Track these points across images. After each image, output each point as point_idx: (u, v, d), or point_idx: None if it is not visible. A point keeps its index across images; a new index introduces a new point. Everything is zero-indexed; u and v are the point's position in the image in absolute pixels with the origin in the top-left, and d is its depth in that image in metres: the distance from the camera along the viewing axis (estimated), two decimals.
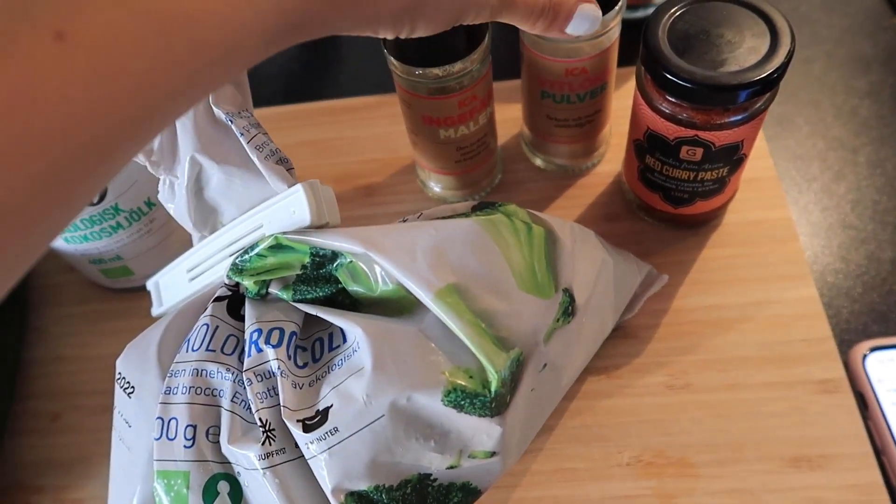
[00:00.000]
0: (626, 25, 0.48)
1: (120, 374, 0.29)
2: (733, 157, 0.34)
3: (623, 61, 0.39)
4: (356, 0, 0.21)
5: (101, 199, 0.34)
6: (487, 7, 0.25)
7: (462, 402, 0.25)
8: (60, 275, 0.43)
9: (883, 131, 0.43)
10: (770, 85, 0.30)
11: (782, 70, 0.30)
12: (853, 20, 0.48)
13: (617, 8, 0.33)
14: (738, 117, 0.31)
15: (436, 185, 0.41)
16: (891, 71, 0.45)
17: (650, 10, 0.49)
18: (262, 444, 0.25)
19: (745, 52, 0.30)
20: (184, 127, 0.29)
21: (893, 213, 0.40)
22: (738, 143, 0.33)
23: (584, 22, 0.28)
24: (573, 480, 0.33)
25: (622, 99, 0.42)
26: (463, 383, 0.25)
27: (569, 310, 0.28)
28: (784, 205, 0.39)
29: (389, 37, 0.24)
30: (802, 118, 0.44)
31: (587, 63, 0.34)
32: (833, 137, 0.43)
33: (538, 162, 0.42)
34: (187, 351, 0.28)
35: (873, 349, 0.35)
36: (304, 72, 0.52)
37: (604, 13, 0.32)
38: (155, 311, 0.33)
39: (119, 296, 0.41)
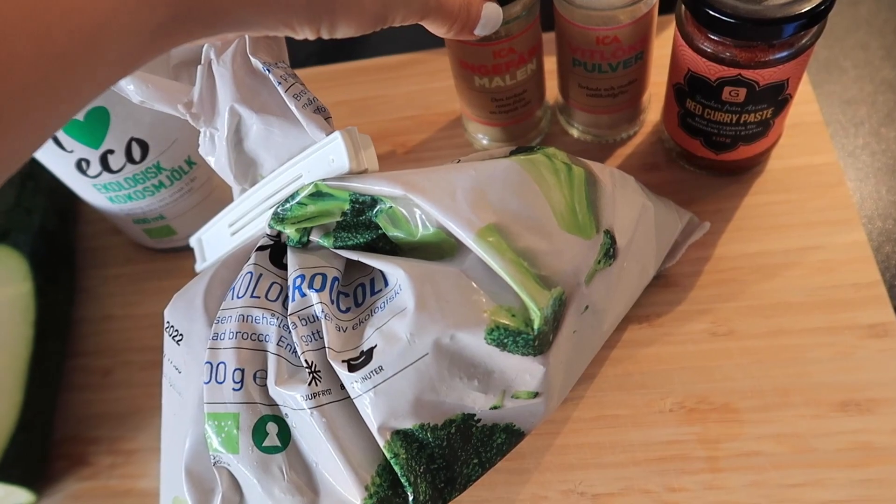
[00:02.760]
0: None
1: (168, 322, 0.30)
2: (778, 97, 0.33)
3: (661, 9, 0.38)
4: None
5: (143, 157, 0.35)
6: (414, 10, 0.25)
7: (505, 341, 0.25)
8: (106, 237, 0.44)
9: None
10: (817, 18, 0.29)
11: (830, 2, 0.29)
12: None
13: None
14: (784, 54, 0.30)
15: (482, 137, 0.41)
16: None
17: None
18: (309, 384, 0.25)
19: None
20: (222, 78, 0.29)
21: None
22: (783, 81, 0.32)
23: (489, 23, 0.29)
24: (615, 427, 0.33)
25: (660, 48, 0.41)
26: (506, 322, 0.25)
27: (610, 252, 0.28)
28: (830, 149, 0.38)
29: (309, 37, 0.23)
30: (850, 62, 0.43)
31: (620, 31, 0.33)
32: (882, 80, 0.42)
33: (573, 132, 0.41)
34: (232, 298, 0.28)
35: None
36: None
37: None
38: (198, 267, 0.34)
39: (163, 256, 0.42)
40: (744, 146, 0.36)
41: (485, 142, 0.41)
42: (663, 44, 0.42)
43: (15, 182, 0.41)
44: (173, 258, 0.42)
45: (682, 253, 0.35)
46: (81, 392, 0.39)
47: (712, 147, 0.36)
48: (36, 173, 0.41)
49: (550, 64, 0.41)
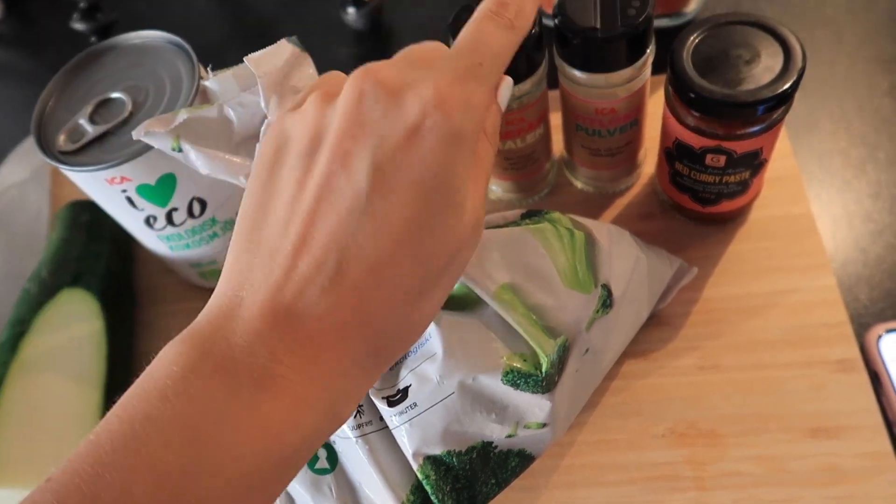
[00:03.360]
0: (657, 33, 0.51)
1: None
2: (754, 162, 0.37)
3: (656, 69, 0.42)
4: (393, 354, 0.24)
5: (202, 212, 0.40)
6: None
7: (518, 381, 0.30)
8: (161, 276, 0.49)
9: None
10: (784, 100, 0.34)
11: (795, 86, 0.34)
12: (876, 21, 0.51)
13: (646, 55, 0.37)
14: (757, 128, 0.35)
15: (496, 189, 0.46)
16: None
17: (679, 20, 0.52)
18: (354, 417, 0.30)
19: (761, 70, 0.34)
20: None
21: None
22: (757, 150, 0.37)
23: (503, 101, 0.29)
24: (614, 450, 0.38)
25: (655, 107, 0.46)
26: (518, 366, 0.30)
27: (607, 302, 0.33)
28: (805, 201, 0.43)
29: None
30: (826, 116, 0.48)
31: (617, 104, 0.38)
32: (855, 134, 0.46)
33: (577, 183, 0.46)
34: None
35: (888, 331, 0.38)
36: None
37: (635, 60, 0.36)
38: None
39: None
40: (726, 201, 0.40)
41: (499, 192, 0.46)
42: (657, 101, 0.47)
43: (84, 229, 0.46)
44: None
45: (673, 295, 0.40)
46: None
47: (699, 201, 0.41)
48: (101, 220, 0.47)
49: (556, 119, 0.46)
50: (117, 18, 0.59)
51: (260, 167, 0.25)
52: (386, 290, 0.22)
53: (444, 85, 0.23)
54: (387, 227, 0.22)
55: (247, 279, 0.22)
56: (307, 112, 0.24)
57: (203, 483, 0.19)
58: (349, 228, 0.22)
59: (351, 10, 0.59)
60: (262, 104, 0.34)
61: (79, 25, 0.57)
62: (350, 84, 0.23)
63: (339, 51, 0.60)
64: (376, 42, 0.59)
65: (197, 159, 0.34)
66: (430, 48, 0.26)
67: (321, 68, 0.63)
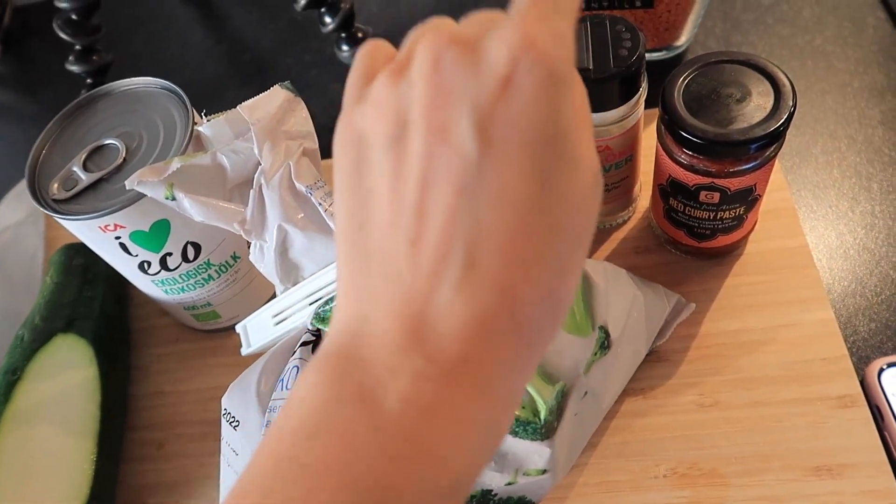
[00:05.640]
0: (649, 67, 0.52)
1: (226, 409, 0.34)
2: (748, 198, 0.38)
3: (649, 103, 0.42)
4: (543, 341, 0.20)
5: (196, 256, 0.40)
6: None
7: (517, 429, 0.29)
8: (156, 318, 0.49)
9: (895, 158, 0.46)
10: (776, 138, 0.34)
11: (786, 124, 0.34)
12: (866, 52, 0.52)
13: (638, 94, 0.37)
14: (750, 165, 0.35)
15: None
16: None
17: (670, 53, 0.53)
18: None
19: (752, 109, 0.34)
20: (271, 199, 0.34)
21: None
22: (751, 186, 0.37)
23: None
24: (616, 492, 0.37)
25: (650, 139, 0.46)
26: (517, 413, 0.29)
27: (605, 343, 0.33)
28: (800, 234, 0.43)
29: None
30: (819, 148, 0.48)
31: (611, 141, 0.39)
32: (848, 166, 0.47)
33: None
34: (281, 389, 0.33)
35: (889, 365, 0.38)
36: None
37: (628, 99, 0.36)
38: (244, 352, 0.39)
39: (207, 336, 0.47)
40: (722, 236, 0.40)
41: None
42: (652, 134, 0.47)
43: (77, 273, 0.46)
44: (216, 338, 0.47)
45: (671, 332, 0.40)
46: (139, 463, 0.43)
47: (694, 237, 0.41)
48: (95, 263, 0.47)
49: None
50: (112, 60, 0.59)
51: (343, 175, 0.21)
52: (524, 266, 0.19)
53: (528, 24, 0.19)
54: (507, 194, 0.19)
55: (366, 294, 0.20)
56: (378, 97, 0.21)
57: None
58: (467, 207, 0.19)
59: (345, 48, 0.59)
60: (256, 151, 0.34)
61: (74, 67, 0.57)
62: (421, 51, 0.20)
63: (334, 88, 0.60)
64: None
65: (191, 207, 0.34)
66: (490, 12, 0.22)
67: (318, 105, 0.64)
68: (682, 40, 0.53)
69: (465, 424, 0.18)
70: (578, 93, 0.20)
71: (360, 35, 0.59)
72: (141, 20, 0.70)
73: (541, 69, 0.19)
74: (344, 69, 0.61)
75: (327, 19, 0.57)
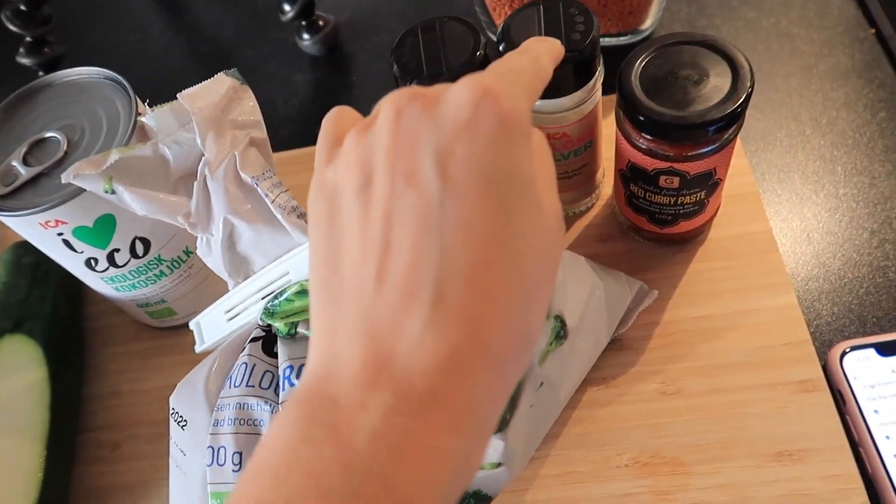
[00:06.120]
0: (611, 51, 0.51)
1: (174, 409, 0.33)
2: (708, 182, 0.37)
3: (608, 89, 0.42)
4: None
5: (146, 252, 0.39)
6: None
7: None
8: (110, 317, 0.48)
9: (859, 140, 0.46)
10: (734, 119, 0.33)
11: (744, 105, 0.33)
12: (831, 33, 0.51)
13: (594, 78, 0.36)
14: (708, 149, 0.35)
15: None
16: (866, 81, 0.48)
17: (635, 38, 0.52)
18: None
19: (710, 90, 0.34)
20: (216, 191, 0.33)
21: (868, 220, 0.43)
22: (710, 170, 0.36)
23: None
24: (578, 482, 0.36)
25: (611, 127, 0.46)
26: None
27: (560, 333, 0.32)
28: (764, 219, 0.42)
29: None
30: (783, 132, 0.47)
31: (569, 128, 0.38)
32: (812, 149, 0.46)
33: None
34: (230, 387, 0.32)
35: (850, 349, 0.38)
36: (321, 113, 0.56)
37: (583, 84, 0.35)
38: (198, 349, 0.38)
39: (164, 333, 0.46)
40: (684, 221, 0.40)
41: None
42: (613, 122, 0.46)
43: (27, 272, 0.45)
44: (174, 335, 0.46)
45: (633, 319, 0.39)
46: (93, 465, 0.42)
47: (656, 223, 0.40)
48: (46, 261, 0.45)
49: None
50: (65, 52, 0.58)
51: (316, 225, 0.23)
52: (490, 299, 0.19)
53: (485, 78, 0.21)
54: (470, 229, 0.19)
55: (336, 332, 0.20)
56: (347, 151, 0.22)
57: None
58: (432, 243, 0.19)
59: (306, 36, 0.58)
60: (199, 141, 0.33)
61: (25, 60, 0.56)
62: (385, 107, 0.22)
63: (296, 77, 0.59)
64: (332, 67, 0.59)
65: (132, 200, 0.33)
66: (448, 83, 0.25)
67: (279, 95, 0.62)
68: (647, 24, 0.52)
69: (435, 458, 0.18)
70: (538, 145, 0.22)
71: (320, 23, 0.57)
72: (98, 12, 0.69)
73: (497, 114, 0.20)
74: (305, 58, 0.59)
75: (286, 7, 0.56)
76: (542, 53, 0.26)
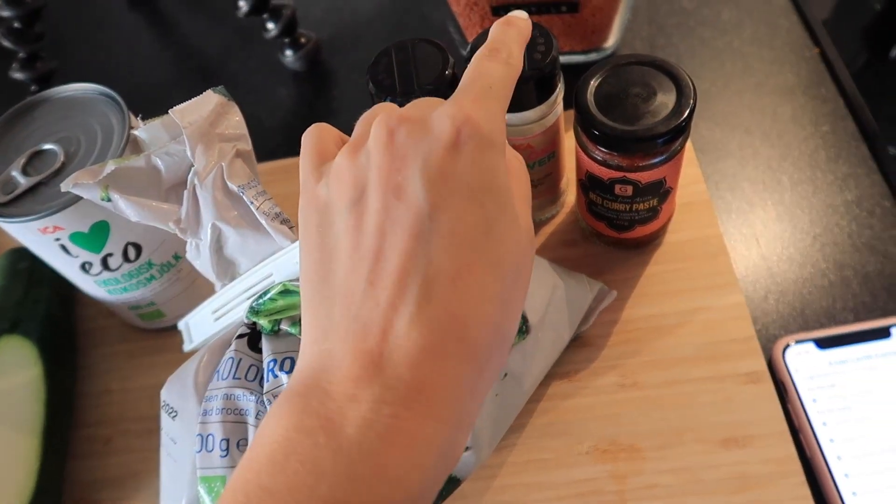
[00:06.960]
0: (577, 68, 0.54)
1: (164, 401, 0.36)
2: (660, 190, 0.40)
3: (570, 104, 0.44)
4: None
5: (138, 256, 0.41)
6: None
7: None
8: (102, 319, 0.50)
9: (804, 152, 0.49)
10: (679, 132, 0.37)
11: (688, 119, 0.36)
12: (780, 52, 0.55)
13: (555, 93, 0.39)
14: (658, 159, 0.38)
15: None
16: (811, 97, 0.52)
17: (600, 55, 0.56)
18: None
19: (657, 106, 0.37)
20: (204, 199, 0.36)
21: (811, 226, 0.46)
22: (661, 179, 0.39)
23: None
24: (543, 469, 0.39)
25: (573, 139, 0.49)
26: None
27: (523, 328, 0.35)
28: (715, 224, 0.46)
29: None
30: (735, 143, 0.51)
31: (533, 139, 0.41)
32: (761, 160, 0.50)
33: None
34: (218, 380, 0.35)
35: (792, 343, 0.41)
36: (304, 126, 0.59)
37: (545, 99, 0.39)
38: (186, 348, 0.40)
39: (153, 335, 0.48)
40: (640, 227, 0.43)
41: None
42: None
43: (23, 276, 0.47)
44: (163, 336, 0.48)
45: (595, 317, 0.42)
46: (86, 459, 0.44)
47: (614, 228, 0.44)
48: (40, 265, 0.47)
49: None
50: (57, 67, 0.60)
51: (307, 236, 0.25)
52: (472, 300, 0.22)
53: (465, 103, 0.24)
54: (455, 237, 0.22)
55: (329, 330, 0.22)
56: (339, 169, 0.24)
57: None
58: (421, 250, 0.22)
59: (289, 53, 0.61)
60: (189, 153, 0.35)
61: (18, 75, 0.58)
62: (377, 127, 0.24)
63: (279, 91, 0.62)
64: (315, 83, 0.61)
65: (126, 207, 0.35)
66: (429, 98, 0.27)
67: (263, 108, 0.65)
68: (610, 43, 0.56)
69: (421, 445, 0.21)
70: (513, 163, 0.25)
71: (302, 40, 0.60)
72: (88, 28, 0.71)
73: (478, 136, 0.23)
74: (288, 74, 0.62)
75: (270, 25, 0.59)
76: (511, 48, 0.28)
